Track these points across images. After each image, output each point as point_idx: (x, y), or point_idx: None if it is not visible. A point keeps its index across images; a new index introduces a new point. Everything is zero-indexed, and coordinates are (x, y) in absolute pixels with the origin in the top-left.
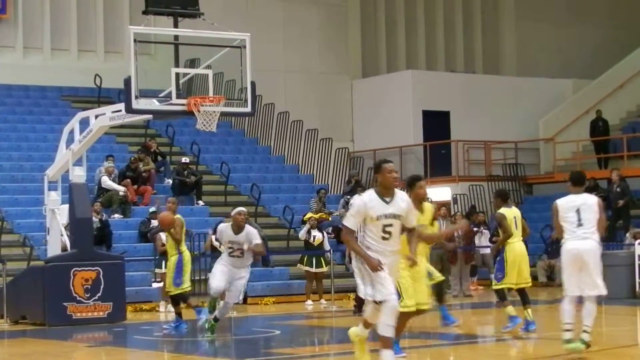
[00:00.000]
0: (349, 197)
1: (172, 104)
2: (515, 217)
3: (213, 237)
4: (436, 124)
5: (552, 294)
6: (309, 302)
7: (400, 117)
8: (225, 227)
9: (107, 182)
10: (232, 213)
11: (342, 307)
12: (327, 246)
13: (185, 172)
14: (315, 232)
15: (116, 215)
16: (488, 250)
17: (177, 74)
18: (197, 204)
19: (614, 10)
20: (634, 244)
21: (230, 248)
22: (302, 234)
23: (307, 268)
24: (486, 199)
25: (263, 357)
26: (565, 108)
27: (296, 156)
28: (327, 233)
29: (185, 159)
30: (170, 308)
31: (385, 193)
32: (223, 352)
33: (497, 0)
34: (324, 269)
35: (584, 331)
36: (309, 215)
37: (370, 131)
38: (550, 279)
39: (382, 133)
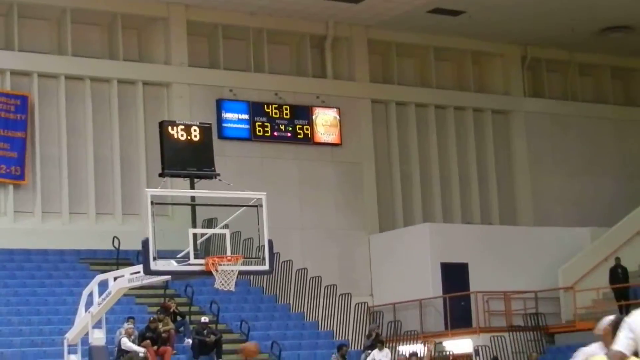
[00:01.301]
0: (369, 351)
1: (190, 265)
2: None
3: None
4: (455, 276)
5: None
6: None
7: (419, 270)
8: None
9: (126, 343)
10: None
11: None
12: None
13: (205, 331)
14: None
15: None
16: None
17: (195, 235)
18: None
19: (627, 160)
20: None
21: None
22: None
23: None
24: (508, 349)
25: None
26: (583, 256)
27: (316, 312)
28: None
29: (205, 319)
30: None
31: None
32: None
33: (511, 153)
34: None
35: None
36: None
37: (389, 285)
38: None
39: (401, 286)
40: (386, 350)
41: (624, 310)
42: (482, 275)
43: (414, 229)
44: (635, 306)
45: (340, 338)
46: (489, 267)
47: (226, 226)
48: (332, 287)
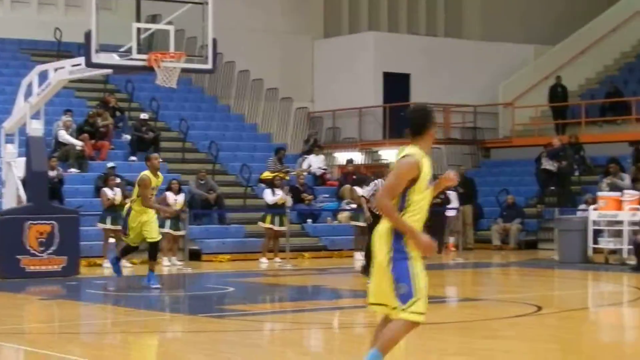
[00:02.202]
0: (306, 156)
1: (132, 59)
2: None
3: (167, 194)
4: (396, 86)
5: (506, 257)
6: (264, 260)
7: (361, 78)
8: None
9: (64, 136)
10: None
11: (297, 265)
12: (289, 204)
13: (144, 128)
14: (278, 191)
15: (73, 170)
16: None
17: (139, 29)
18: None
19: None
20: (587, 209)
21: None
22: (270, 198)
23: (271, 226)
24: (443, 161)
25: (216, 313)
26: (525, 73)
27: (255, 115)
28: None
29: (144, 115)
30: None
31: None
32: (176, 307)
33: None
34: (285, 227)
35: None
36: (265, 174)
37: (330, 91)
38: (505, 242)
39: (343, 93)
40: (322, 156)
41: (560, 129)
42: (423, 87)
43: (359, 37)
44: (572, 125)
45: (278, 141)
46: (431, 78)
47: (170, 23)
48: (273, 90)
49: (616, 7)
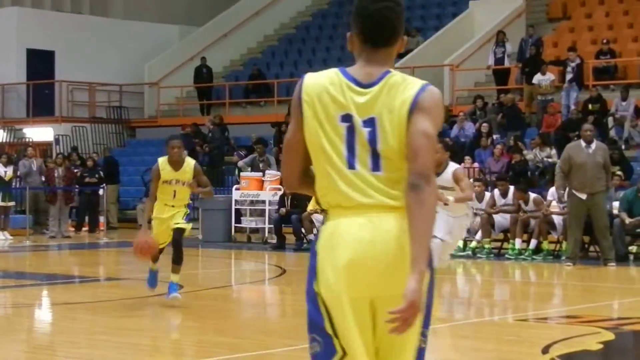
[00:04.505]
0: None
1: None
2: None
3: None
4: (41, 63)
5: None
6: None
7: (4, 54)
8: None
9: None
10: None
11: None
12: None
13: None
14: None
15: None
16: None
17: None
18: None
19: None
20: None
21: None
22: None
23: None
24: (89, 140)
25: None
26: (170, 54)
27: None
28: None
29: None
30: None
31: None
32: None
33: None
34: None
35: None
36: None
37: None
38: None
39: None
40: None
41: (205, 110)
42: (68, 65)
43: (2, 12)
44: (217, 106)
45: None
46: (76, 57)
47: None
48: None
49: None
